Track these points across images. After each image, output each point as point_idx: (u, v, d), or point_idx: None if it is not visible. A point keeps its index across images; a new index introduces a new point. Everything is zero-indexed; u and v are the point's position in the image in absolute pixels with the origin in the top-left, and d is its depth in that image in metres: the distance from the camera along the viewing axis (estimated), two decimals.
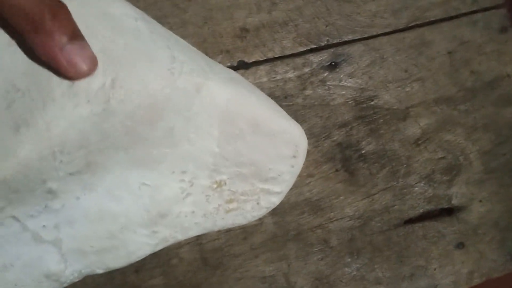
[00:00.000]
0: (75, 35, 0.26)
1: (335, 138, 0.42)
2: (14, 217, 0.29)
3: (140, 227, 0.32)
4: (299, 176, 0.41)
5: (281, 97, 0.41)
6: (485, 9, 0.44)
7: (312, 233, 0.41)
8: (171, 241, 0.33)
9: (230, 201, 0.34)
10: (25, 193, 0.28)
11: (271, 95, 0.41)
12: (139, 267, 0.39)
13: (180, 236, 0.34)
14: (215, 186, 0.33)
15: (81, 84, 0.27)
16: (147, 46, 0.29)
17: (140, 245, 0.32)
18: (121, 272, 0.38)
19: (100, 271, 0.32)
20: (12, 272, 0.30)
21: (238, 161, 0.33)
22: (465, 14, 0.44)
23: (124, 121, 0.29)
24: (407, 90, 0.43)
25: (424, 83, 0.43)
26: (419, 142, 0.43)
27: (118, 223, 0.31)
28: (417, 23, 0.43)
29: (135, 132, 0.29)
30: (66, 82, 0.27)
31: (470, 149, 0.44)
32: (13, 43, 0.27)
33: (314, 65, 0.42)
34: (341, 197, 0.42)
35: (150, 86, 0.29)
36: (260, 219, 0.40)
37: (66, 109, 0.27)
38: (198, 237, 0.39)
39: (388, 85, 0.43)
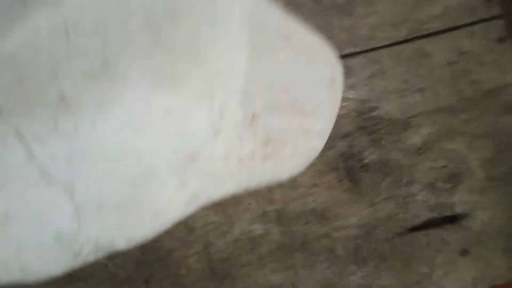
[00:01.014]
0: None
1: (338, 149, 0.43)
2: (18, 133, 0.24)
3: (167, 174, 0.27)
4: (304, 185, 0.42)
5: None
6: (483, 20, 0.45)
7: (318, 242, 0.42)
8: (203, 199, 0.29)
9: (266, 143, 0.30)
10: (32, 88, 0.23)
11: None
12: (148, 278, 0.40)
13: (213, 190, 0.29)
14: (248, 122, 0.29)
15: None
16: None
17: (168, 201, 0.27)
18: (131, 284, 0.39)
19: (120, 244, 0.27)
20: (15, 225, 0.24)
21: (270, 83, 0.28)
22: (463, 26, 0.45)
23: (144, 6, 0.25)
24: (407, 100, 0.44)
25: (425, 93, 0.44)
26: (421, 151, 0.44)
27: (142, 165, 0.26)
28: (417, 35, 0.44)
29: (157, 27, 0.25)
30: None
31: (471, 157, 0.44)
32: None
33: None
34: (346, 206, 0.43)
35: None
36: (266, 229, 0.41)
37: None
38: (206, 247, 0.40)
39: (389, 96, 0.44)
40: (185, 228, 0.39)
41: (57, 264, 0.25)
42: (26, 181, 0.24)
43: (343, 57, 0.43)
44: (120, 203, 0.26)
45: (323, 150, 0.43)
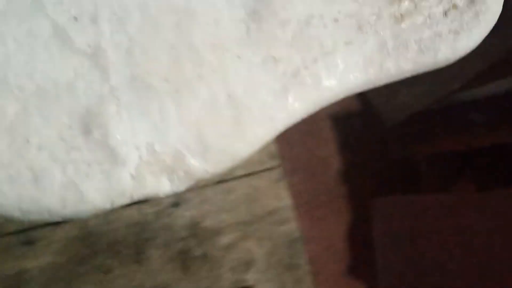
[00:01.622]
0: None
1: (177, 247, 0.72)
2: None
3: (236, 19, 0.17)
4: (155, 269, 0.70)
5: (141, 223, 0.71)
6: (268, 169, 0.77)
7: None
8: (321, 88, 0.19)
9: None
10: None
11: (140, 224, 0.70)
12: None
13: (326, 73, 0.19)
14: None
15: None
16: None
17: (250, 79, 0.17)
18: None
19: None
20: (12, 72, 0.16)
21: None
22: (257, 172, 0.76)
23: None
24: (221, 217, 0.74)
25: (231, 213, 0.74)
26: (229, 247, 0.74)
27: (202, 22, 0.17)
28: (226, 178, 0.75)
29: None
30: None
31: (259, 251, 0.75)
32: None
33: (165, 204, 0.72)
34: (182, 282, 0.71)
35: None
36: None
37: None
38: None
39: (211, 213, 0.74)
40: None
41: (94, 176, 0.17)
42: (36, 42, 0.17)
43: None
44: (175, 83, 0.17)
45: (168, 248, 0.71)
